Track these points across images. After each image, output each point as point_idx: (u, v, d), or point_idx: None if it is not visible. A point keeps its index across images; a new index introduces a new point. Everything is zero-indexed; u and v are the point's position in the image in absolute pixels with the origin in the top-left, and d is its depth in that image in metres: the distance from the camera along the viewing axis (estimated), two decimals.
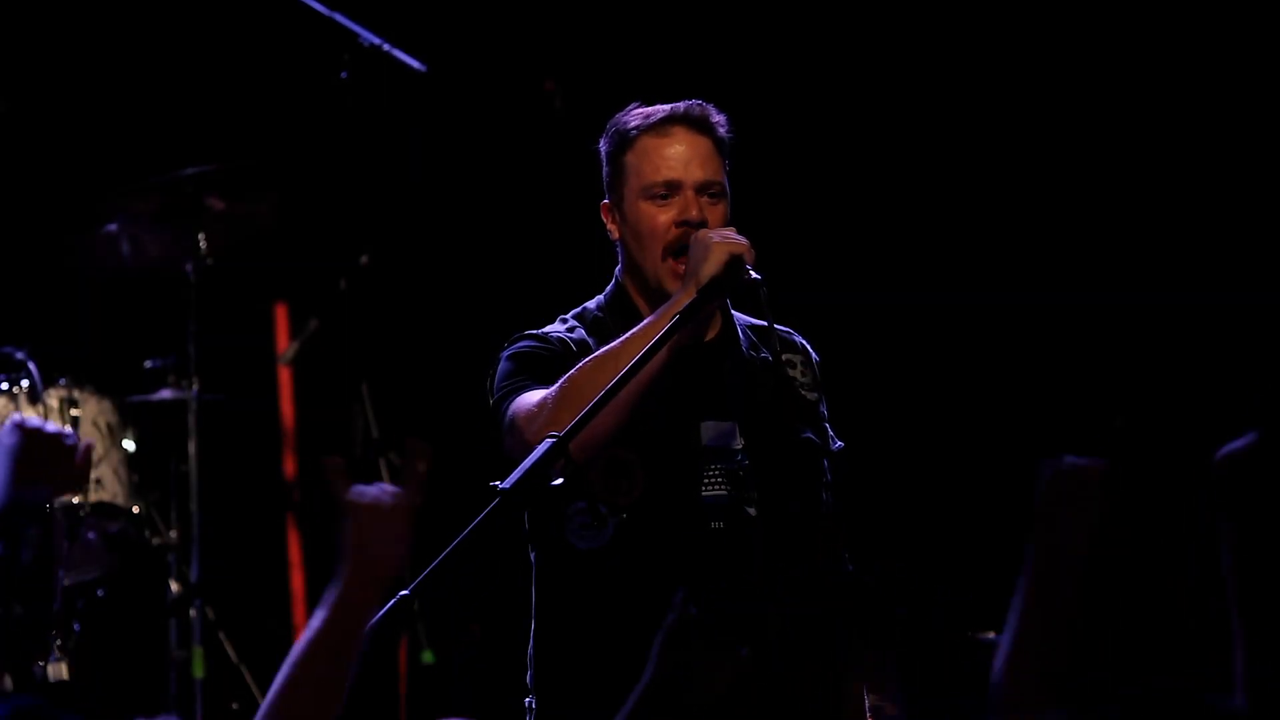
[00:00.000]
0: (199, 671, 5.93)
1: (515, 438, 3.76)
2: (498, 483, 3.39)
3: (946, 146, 6.45)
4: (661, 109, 3.96)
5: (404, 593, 3.33)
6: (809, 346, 4.06)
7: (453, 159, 6.76)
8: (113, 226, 6.08)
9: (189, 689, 5.94)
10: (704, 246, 3.71)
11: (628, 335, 3.72)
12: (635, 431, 3.72)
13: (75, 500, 5.66)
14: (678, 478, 3.81)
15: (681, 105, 3.96)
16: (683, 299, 3.69)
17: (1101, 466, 2.43)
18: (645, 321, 3.74)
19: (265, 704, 2.74)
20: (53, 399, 5.71)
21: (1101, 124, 6.33)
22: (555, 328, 3.96)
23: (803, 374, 4.01)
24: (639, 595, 3.76)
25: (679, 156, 3.91)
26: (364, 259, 6.28)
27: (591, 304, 4.00)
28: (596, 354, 3.74)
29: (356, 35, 6.10)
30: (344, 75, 6.13)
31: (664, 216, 3.87)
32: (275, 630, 6.59)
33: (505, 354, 3.91)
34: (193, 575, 5.99)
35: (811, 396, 4.00)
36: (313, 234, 6.52)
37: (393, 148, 6.54)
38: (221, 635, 6.04)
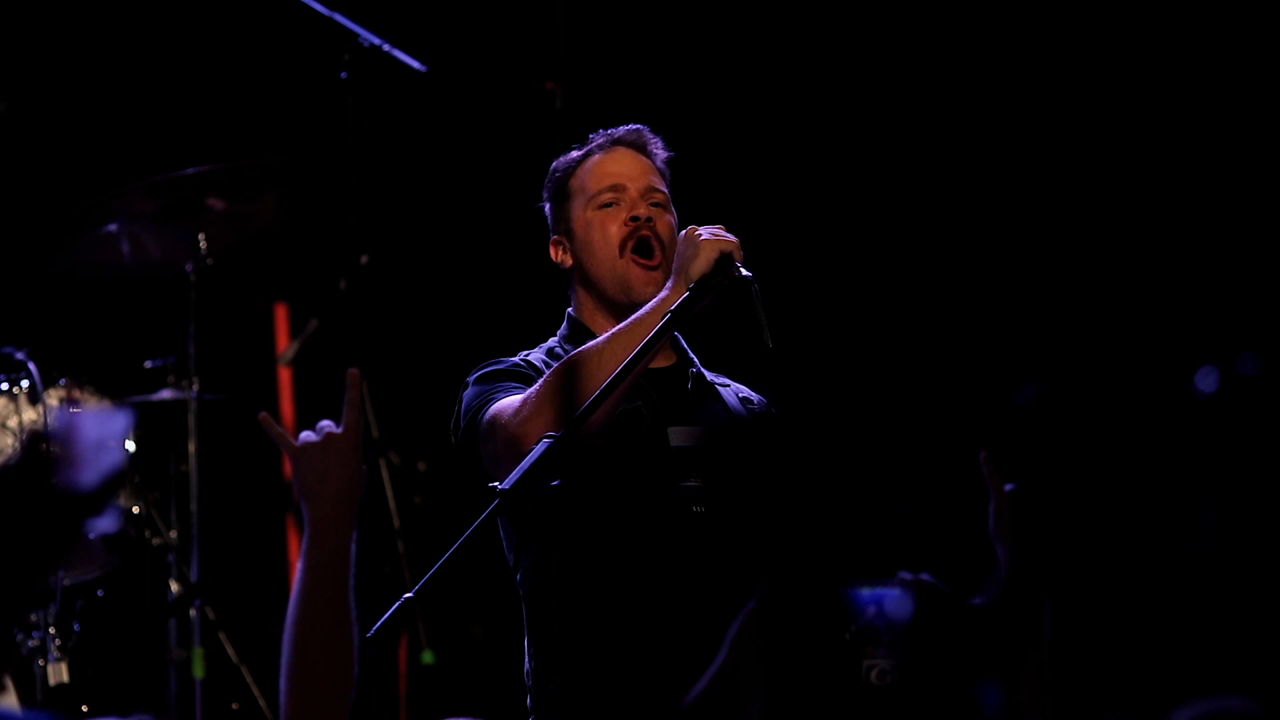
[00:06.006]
0: (199, 671, 5.92)
1: (498, 436, 3.77)
2: (497, 483, 3.41)
3: (936, 149, 6.45)
4: (600, 134, 4.04)
5: (407, 595, 3.33)
6: (765, 400, 4.10)
7: (453, 159, 6.76)
8: (113, 226, 6.07)
9: (189, 689, 5.94)
10: (693, 244, 3.73)
11: (613, 332, 3.74)
12: (606, 432, 3.75)
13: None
14: (652, 471, 3.83)
15: (620, 129, 4.04)
16: (671, 297, 3.71)
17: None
18: (632, 318, 3.75)
19: (283, 662, 2.81)
20: (53, 399, 5.71)
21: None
22: (539, 351, 3.99)
23: (758, 410, 4.05)
24: (631, 581, 3.78)
25: (623, 168, 3.99)
26: (364, 259, 6.28)
27: (553, 340, 4.04)
28: (581, 349, 3.76)
29: (356, 35, 6.10)
30: (344, 75, 6.14)
31: (614, 222, 3.93)
32: (275, 630, 6.59)
33: (470, 379, 3.93)
34: (193, 575, 5.99)
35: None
36: (313, 234, 6.52)
37: (392, 148, 6.54)
38: (221, 635, 6.03)
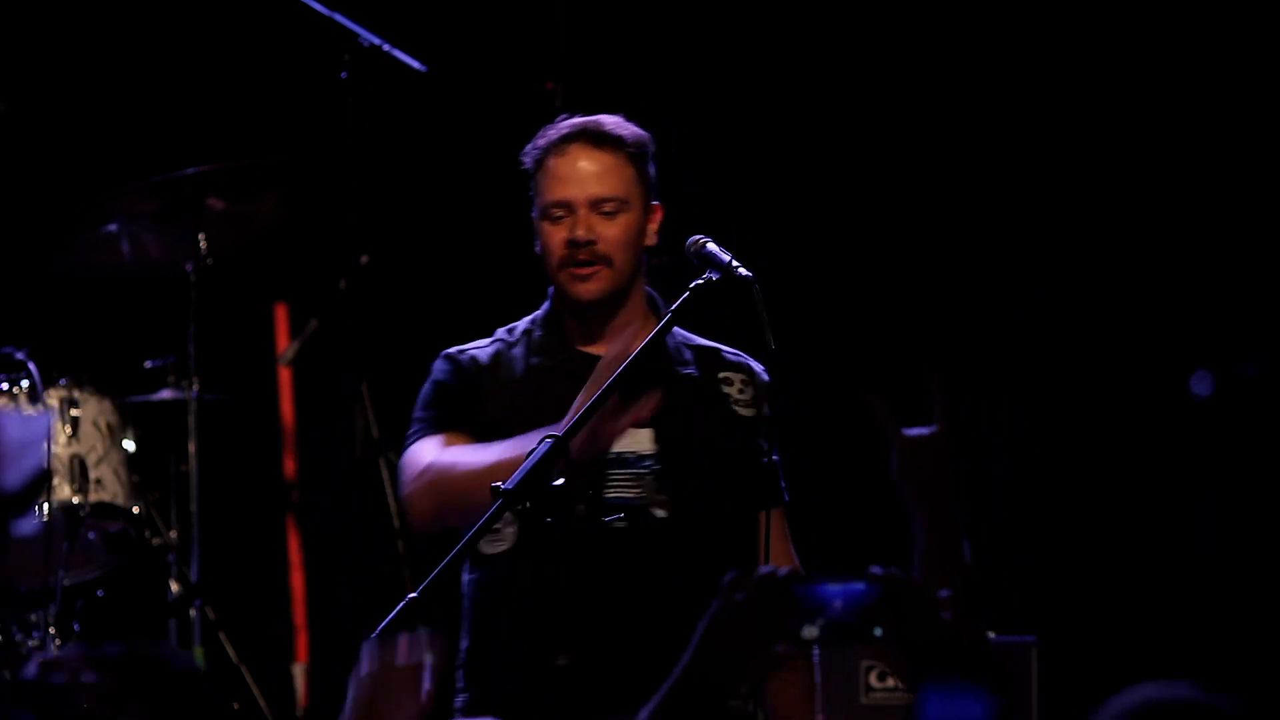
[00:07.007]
0: None
1: (402, 486, 3.95)
2: (500, 484, 3.42)
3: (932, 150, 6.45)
4: (565, 126, 4.00)
5: (411, 595, 3.34)
6: (758, 369, 4.07)
7: (453, 159, 6.76)
8: (113, 226, 6.07)
9: None
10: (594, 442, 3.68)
11: (494, 461, 3.72)
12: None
13: (75, 500, 5.66)
14: (581, 479, 3.85)
15: (582, 120, 3.99)
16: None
17: (933, 432, 2.82)
18: (509, 452, 3.73)
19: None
20: (53, 399, 5.71)
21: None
22: (477, 345, 4.07)
23: (740, 391, 4.03)
24: (546, 593, 3.80)
25: (573, 175, 3.96)
26: (364, 259, 6.28)
27: (526, 319, 4.07)
28: (470, 460, 3.80)
29: (356, 35, 6.10)
30: (344, 75, 6.14)
31: (557, 237, 3.95)
32: (275, 630, 6.59)
33: (429, 378, 4.05)
34: (193, 575, 5.99)
35: (745, 413, 4.02)
36: (313, 234, 6.52)
37: (392, 148, 6.54)
38: (221, 635, 6.04)
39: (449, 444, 3.92)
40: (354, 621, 4.45)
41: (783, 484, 4.07)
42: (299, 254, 6.64)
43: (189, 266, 6.10)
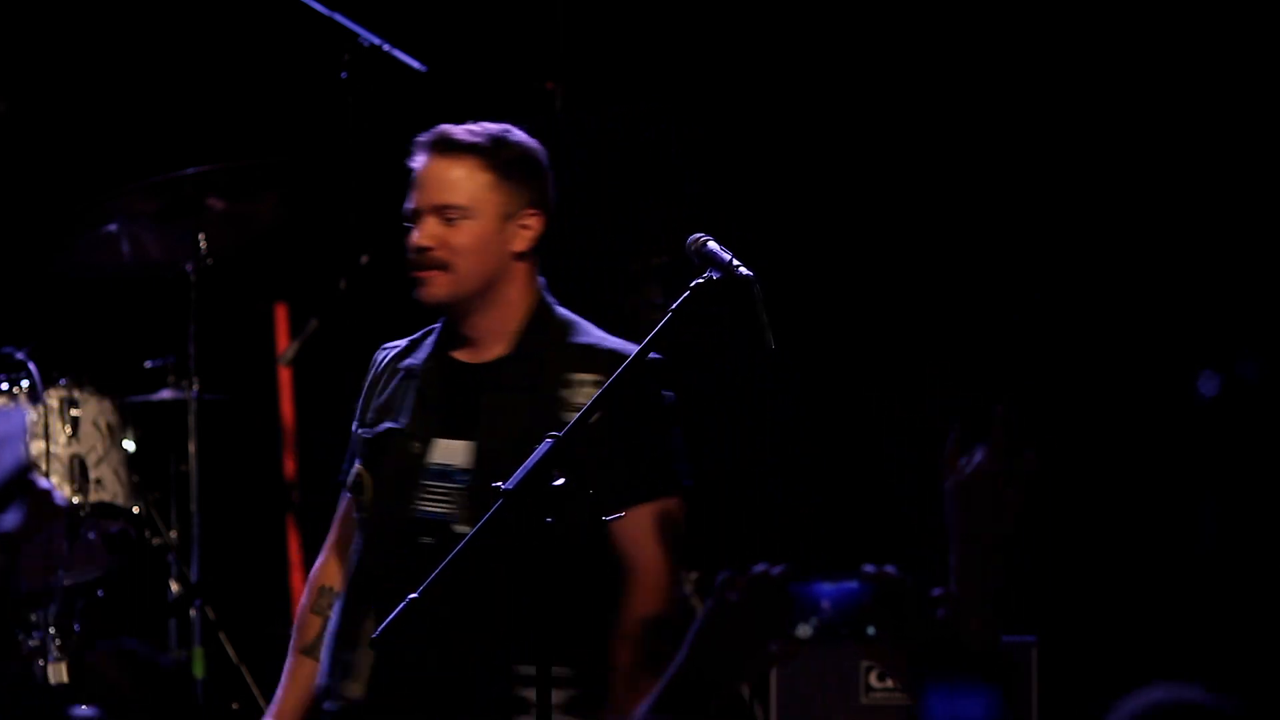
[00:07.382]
0: (199, 671, 5.93)
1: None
2: (500, 484, 3.43)
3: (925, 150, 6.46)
4: (425, 134, 4.04)
5: (413, 595, 3.35)
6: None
7: None
8: (113, 226, 6.08)
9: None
10: None
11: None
12: (368, 447, 3.96)
13: (75, 500, 5.66)
14: (397, 493, 3.89)
15: (441, 129, 4.02)
16: None
17: (990, 464, 2.69)
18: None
19: None
20: (53, 399, 5.71)
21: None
22: (398, 343, 4.17)
23: (585, 397, 3.92)
24: (363, 605, 3.89)
25: (420, 182, 4.00)
26: (364, 259, 6.29)
27: (425, 331, 4.13)
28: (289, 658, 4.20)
29: (356, 35, 6.11)
30: (344, 75, 6.14)
31: (410, 244, 3.99)
32: (275, 630, 6.59)
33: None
34: (193, 575, 5.99)
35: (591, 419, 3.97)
36: (313, 234, 6.52)
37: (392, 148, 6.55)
38: (221, 635, 6.04)
39: (339, 531, 4.10)
40: None
41: (668, 473, 3.93)
42: (299, 254, 6.65)
43: (189, 266, 6.11)
